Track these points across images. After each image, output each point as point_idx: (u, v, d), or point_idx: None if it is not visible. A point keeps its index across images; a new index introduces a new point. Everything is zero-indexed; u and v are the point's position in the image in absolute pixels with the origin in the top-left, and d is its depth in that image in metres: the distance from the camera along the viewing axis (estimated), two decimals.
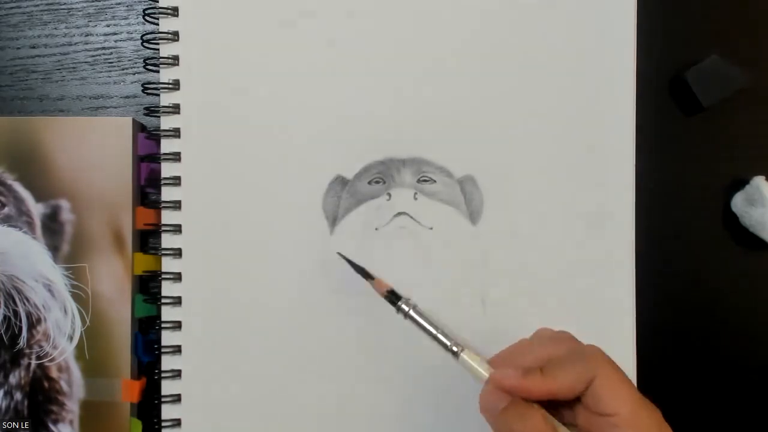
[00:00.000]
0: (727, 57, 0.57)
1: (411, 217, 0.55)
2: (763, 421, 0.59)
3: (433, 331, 0.49)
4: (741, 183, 0.58)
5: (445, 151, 0.55)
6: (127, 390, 0.56)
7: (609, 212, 0.55)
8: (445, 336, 0.49)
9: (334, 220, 0.56)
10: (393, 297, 0.51)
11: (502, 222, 0.55)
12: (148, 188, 0.57)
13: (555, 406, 0.45)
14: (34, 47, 0.60)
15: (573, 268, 0.55)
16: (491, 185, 0.55)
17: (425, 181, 0.55)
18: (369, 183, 0.55)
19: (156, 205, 0.56)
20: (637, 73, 0.55)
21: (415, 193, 0.55)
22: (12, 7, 0.60)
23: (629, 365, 0.55)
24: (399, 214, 0.55)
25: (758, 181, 0.57)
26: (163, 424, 0.56)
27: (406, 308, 0.50)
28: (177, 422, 0.56)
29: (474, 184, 0.55)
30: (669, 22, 0.59)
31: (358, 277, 0.53)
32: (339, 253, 0.54)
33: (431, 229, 0.55)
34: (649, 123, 0.57)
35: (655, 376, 0.56)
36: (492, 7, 0.56)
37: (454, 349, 0.48)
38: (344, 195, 0.55)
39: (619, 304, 0.55)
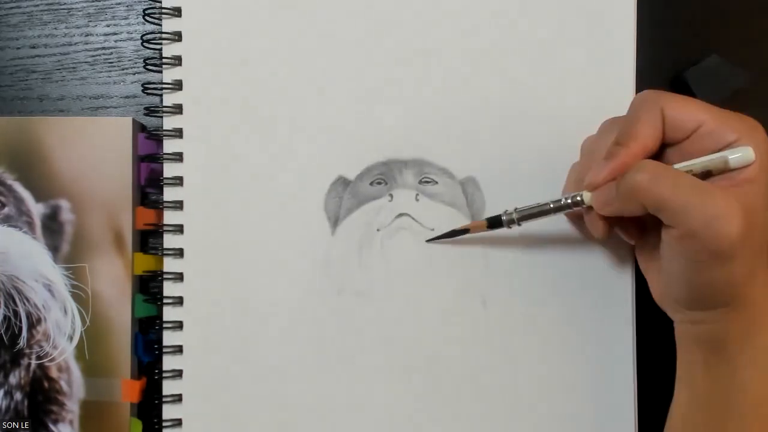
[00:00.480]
0: (727, 57, 0.57)
1: (413, 218, 0.55)
2: None
3: (547, 208, 0.50)
4: None
5: (447, 152, 0.55)
6: (127, 390, 0.56)
7: None
8: (558, 203, 0.50)
9: (335, 221, 0.56)
10: (496, 223, 0.52)
11: None
12: (148, 188, 0.57)
13: None
14: (34, 47, 0.60)
15: (574, 268, 0.55)
16: (493, 187, 0.55)
17: (427, 182, 0.55)
18: (371, 184, 0.56)
19: (156, 205, 0.56)
20: (637, 73, 0.55)
21: (417, 195, 0.55)
22: (12, 7, 0.60)
23: (629, 365, 0.55)
24: (401, 215, 0.55)
25: None
26: (164, 424, 0.56)
27: (510, 218, 0.51)
28: (178, 422, 0.56)
29: (476, 186, 0.55)
30: (669, 22, 0.59)
31: (359, 277, 0.54)
32: (429, 240, 0.55)
33: (433, 230, 0.55)
34: None
35: (656, 376, 0.56)
36: (493, 9, 0.56)
37: (578, 198, 0.49)
38: (346, 196, 0.56)
39: (619, 304, 0.55)
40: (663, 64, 0.59)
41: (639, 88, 0.55)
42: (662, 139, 0.45)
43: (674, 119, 0.44)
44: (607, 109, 0.54)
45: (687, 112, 0.44)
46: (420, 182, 0.55)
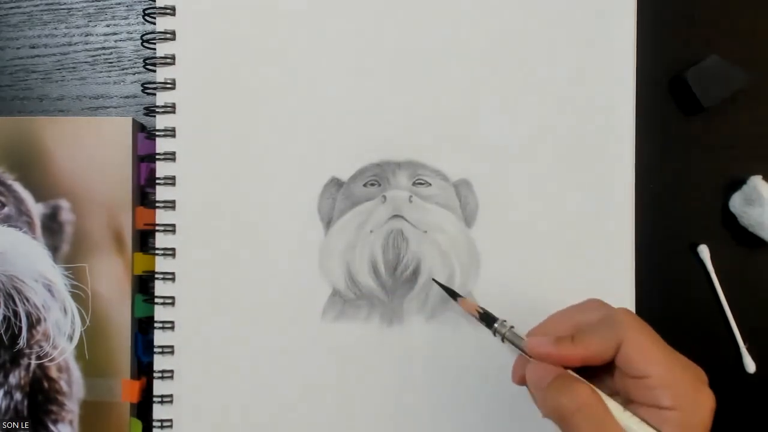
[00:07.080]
0: (727, 57, 0.57)
1: (406, 220, 0.55)
2: (763, 422, 0.59)
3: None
4: (739, 183, 0.58)
5: (441, 154, 0.55)
6: (127, 390, 0.56)
7: (609, 212, 0.55)
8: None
9: (328, 222, 0.56)
10: (486, 319, 0.50)
11: (498, 226, 0.55)
12: (148, 188, 0.57)
13: (598, 376, 0.45)
14: (34, 47, 0.60)
15: (570, 270, 0.55)
16: (487, 189, 0.55)
17: (420, 184, 0.55)
18: (364, 185, 0.55)
19: (156, 205, 0.56)
20: (637, 73, 0.55)
21: (411, 196, 0.55)
22: (12, 7, 0.60)
23: None
24: (394, 216, 0.55)
25: (755, 180, 0.57)
26: (154, 424, 0.56)
27: (502, 330, 0.48)
28: (168, 422, 0.56)
29: (469, 188, 0.55)
30: (669, 22, 0.59)
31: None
32: (433, 279, 0.55)
33: (425, 232, 0.55)
34: (649, 123, 0.57)
35: None
36: (491, 11, 0.56)
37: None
38: (339, 197, 0.55)
39: (619, 305, 0.55)
40: (663, 64, 0.59)
41: (639, 88, 0.55)
42: (610, 361, 0.44)
43: (626, 356, 0.43)
44: (606, 111, 0.55)
45: (640, 358, 0.43)
46: (413, 184, 0.55)
